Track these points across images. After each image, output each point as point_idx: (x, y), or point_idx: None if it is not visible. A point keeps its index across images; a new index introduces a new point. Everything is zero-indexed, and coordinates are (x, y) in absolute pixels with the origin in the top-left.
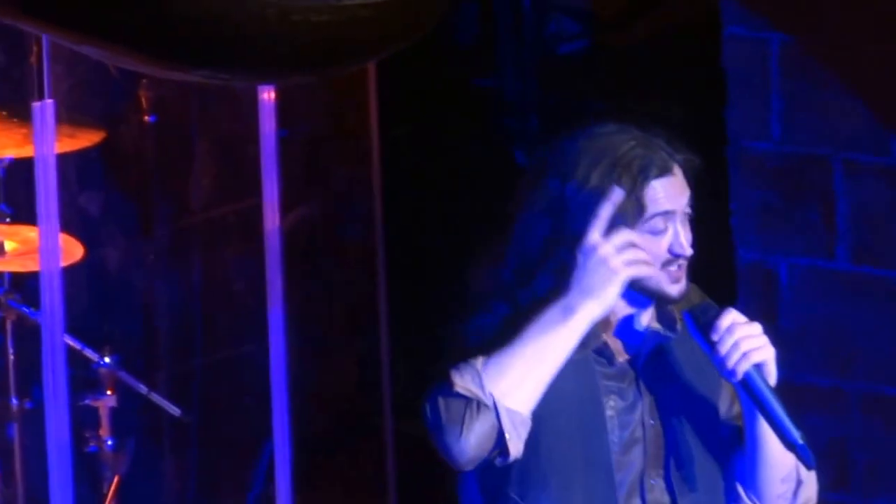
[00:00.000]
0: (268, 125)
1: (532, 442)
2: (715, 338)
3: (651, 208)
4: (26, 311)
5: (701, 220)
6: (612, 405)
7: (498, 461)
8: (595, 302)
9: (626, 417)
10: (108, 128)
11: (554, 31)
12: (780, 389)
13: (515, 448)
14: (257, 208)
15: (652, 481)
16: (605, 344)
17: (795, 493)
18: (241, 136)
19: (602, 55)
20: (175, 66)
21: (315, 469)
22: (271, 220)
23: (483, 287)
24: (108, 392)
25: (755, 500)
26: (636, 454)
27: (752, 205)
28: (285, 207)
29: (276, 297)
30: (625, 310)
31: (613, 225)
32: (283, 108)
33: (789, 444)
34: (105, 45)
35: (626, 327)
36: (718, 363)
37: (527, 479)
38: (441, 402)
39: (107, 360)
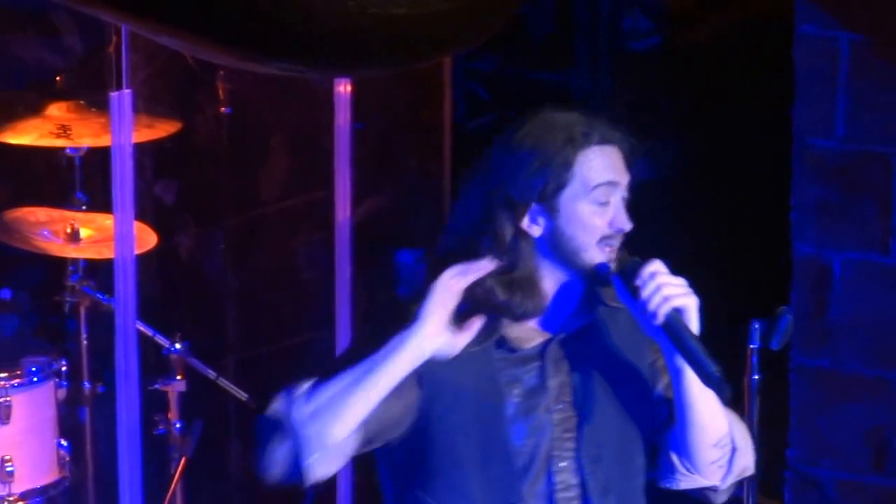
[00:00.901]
0: (342, 117)
1: (432, 439)
2: (637, 283)
3: (592, 176)
4: (100, 297)
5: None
6: (515, 393)
7: (300, 482)
8: (421, 335)
9: (530, 403)
10: (184, 118)
11: (628, 28)
12: (827, 379)
13: (320, 472)
14: (328, 200)
15: (561, 463)
16: (503, 337)
17: (730, 461)
18: (315, 128)
19: (674, 52)
20: (253, 57)
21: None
22: (342, 211)
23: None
24: (178, 377)
25: (689, 467)
26: (543, 438)
27: (812, 200)
28: (356, 199)
29: (343, 286)
30: (553, 290)
31: (550, 187)
32: (359, 101)
33: (705, 374)
34: (184, 36)
35: (554, 305)
36: (640, 309)
37: (430, 475)
38: (259, 421)
39: (177, 346)
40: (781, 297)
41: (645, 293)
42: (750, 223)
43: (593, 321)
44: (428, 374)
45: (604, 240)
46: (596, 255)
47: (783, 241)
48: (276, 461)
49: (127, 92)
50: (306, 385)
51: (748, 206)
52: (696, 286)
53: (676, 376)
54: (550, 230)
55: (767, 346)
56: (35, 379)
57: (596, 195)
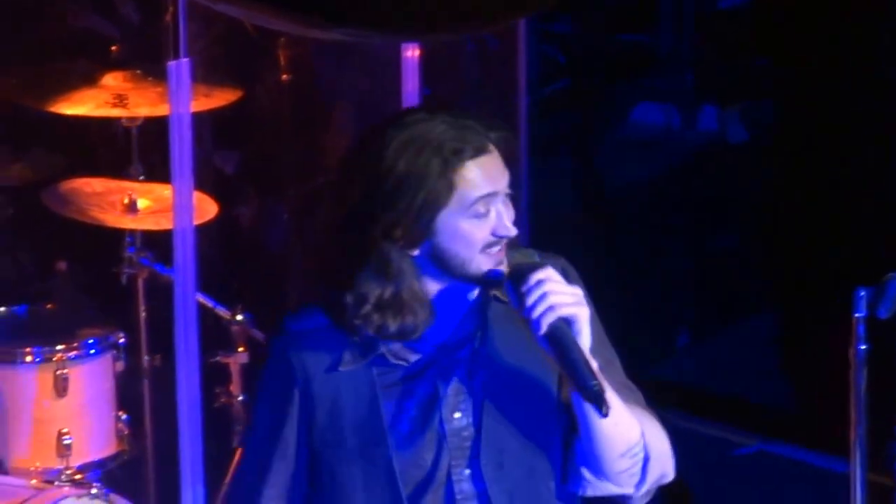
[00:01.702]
0: (411, 83)
1: (315, 468)
2: (523, 290)
3: (470, 192)
4: (158, 268)
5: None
6: (408, 406)
7: None
8: None
9: (423, 416)
10: (244, 87)
11: None
12: None
13: None
14: None
15: (464, 471)
16: (382, 355)
17: (644, 469)
18: (379, 94)
19: (762, 8)
20: (316, 24)
21: None
22: None
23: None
24: (240, 349)
25: (601, 478)
26: (441, 449)
27: None
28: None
29: None
30: (437, 293)
31: (428, 211)
32: (427, 65)
33: (583, 388)
34: (244, 4)
35: (441, 313)
36: (526, 316)
37: (318, 498)
38: None
39: (239, 317)
40: (891, 263)
41: (530, 300)
42: (854, 185)
43: (487, 323)
44: (305, 399)
45: (487, 248)
46: (482, 263)
47: (893, 203)
48: None
49: (185, 61)
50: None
51: (850, 168)
52: (798, 253)
53: (577, 395)
54: (430, 248)
55: (874, 314)
56: (92, 351)
57: (475, 210)
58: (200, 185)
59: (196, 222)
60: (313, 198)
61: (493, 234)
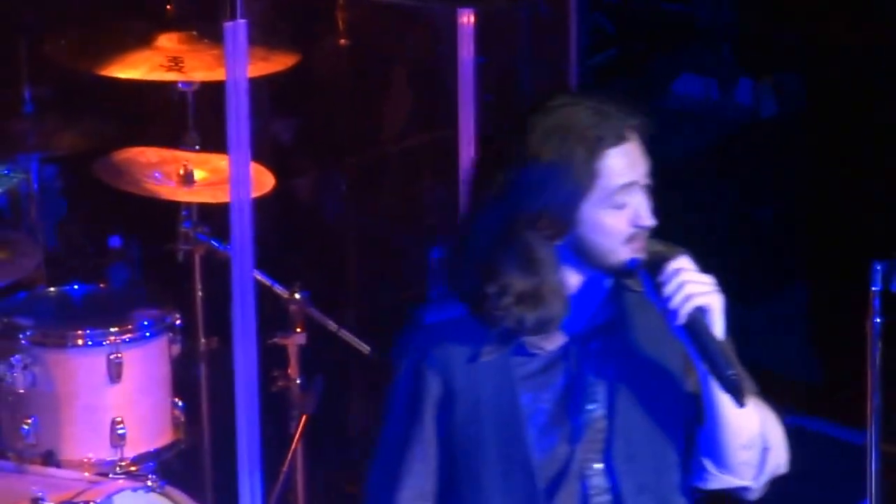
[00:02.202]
0: (466, 51)
1: (453, 459)
2: (661, 280)
3: (611, 182)
4: (215, 244)
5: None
6: (544, 399)
7: None
8: None
9: (560, 407)
10: (301, 51)
11: None
12: None
13: None
14: (450, 139)
15: (595, 465)
16: (521, 344)
17: (763, 461)
18: (437, 61)
19: None
20: None
21: None
22: (466, 151)
23: (446, 282)
24: (298, 329)
25: (723, 470)
26: (575, 442)
27: None
28: (480, 138)
29: None
30: (576, 288)
31: (573, 201)
32: (481, 33)
33: (722, 378)
34: None
35: (576, 305)
36: (663, 306)
37: (453, 498)
38: None
39: (297, 296)
40: None
41: (668, 289)
42: (878, 159)
43: (621, 312)
44: (446, 394)
45: (629, 240)
46: (624, 254)
47: None
48: None
49: (242, 22)
50: None
51: (876, 142)
52: (820, 225)
53: (703, 377)
54: (573, 239)
55: (888, 288)
56: (147, 334)
57: (616, 200)
58: (257, 155)
59: (253, 195)
60: (371, 169)
61: (634, 225)
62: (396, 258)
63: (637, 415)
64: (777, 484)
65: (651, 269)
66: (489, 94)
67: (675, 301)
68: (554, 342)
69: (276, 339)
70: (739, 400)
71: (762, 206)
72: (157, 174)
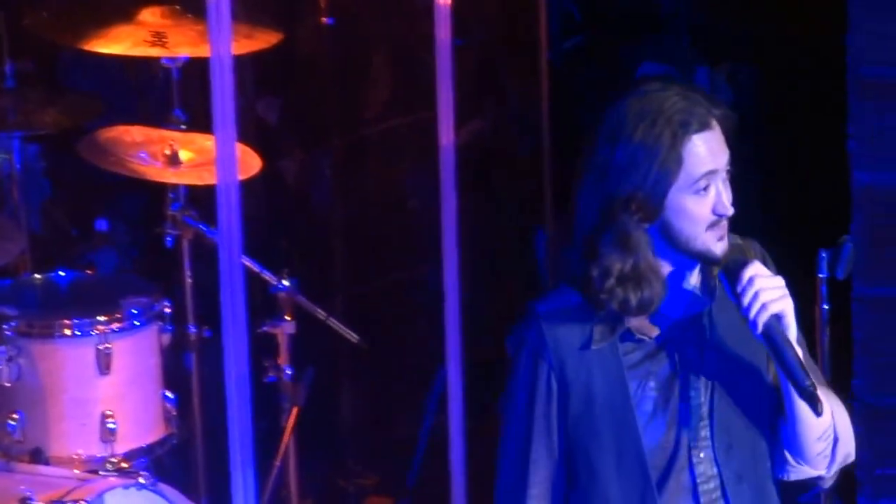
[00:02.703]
0: (443, 32)
1: (576, 456)
2: (738, 289)
3: (694, 168)
4: (203, 228)
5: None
6: (650, 387)
7: None
8: None
9: (666, 394)
10: (285, 29)
11: None
12: (890, 307)
13: None
14: (430, 121)
15: (700, 454)
16: (629, 330)
17: (833, 451)
18: (416, 41)
19: None
20: None
21: (488, 395)
22: (446, 134)
23: (556, 266)
24: (287, 318)
25: (801, 462)
26: (682, 429)
27: (869, 128)
28: (460, 120)
29: (449, 217)
30: (669, 269)
31: (661, 186)
32: (457, 15)
33: (799, 388)
34: None
35: (671, 291)
36: (744, 313)
37: (570, 482)
38: None
39: (285, 283)
40: (846, 226)
41: (745, 300)
42: (819, 148)
43: (711, 305)
44: (561, 387)
45: (711, 227)
46: (707, 240)
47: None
48: None
49: None
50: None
51: (817, 131)
52: (765, 216)
53: (782, 376)
54: (661, 223)
55: (833, 275)
56: (137, 323)
57: (697, 186)
58: (243, 136)
59: (240, 177)
60: (354, 150)
61: (714, 213)
62: (378, 243)
63: (732, 404)
64: None
65: (729, 278)
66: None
67: (753, 311)
68: (657, 329)
69: (266, 328)
70: (816, 409)
71: None
72: (142, 154)
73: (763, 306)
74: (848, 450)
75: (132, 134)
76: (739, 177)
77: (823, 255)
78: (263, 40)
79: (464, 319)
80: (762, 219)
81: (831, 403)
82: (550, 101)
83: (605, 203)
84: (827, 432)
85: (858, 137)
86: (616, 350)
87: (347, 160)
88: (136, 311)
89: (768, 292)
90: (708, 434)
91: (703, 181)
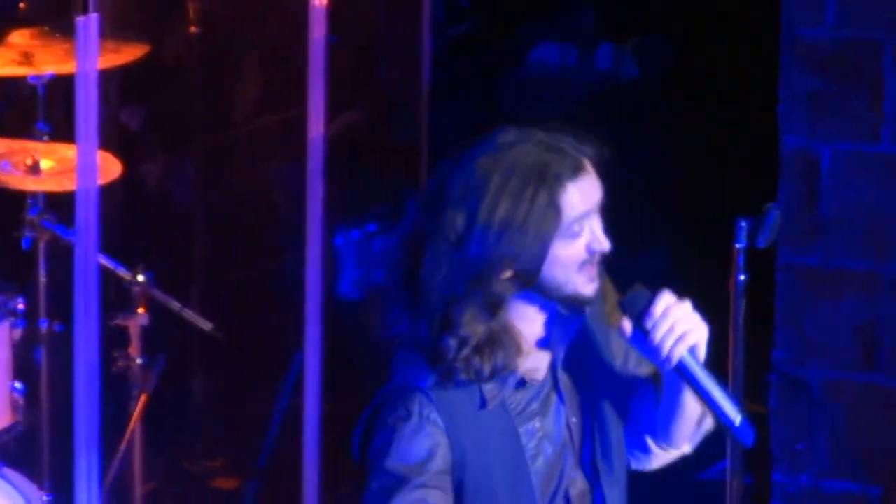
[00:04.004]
0: (317, 31)
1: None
2: (649, 325)
3: (568, 214)
4: (60, 231)
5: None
6: (537, 426)
7: None
8: None
9: (553, 431)
10: (153, 41)
11: None
12: (816, 276)
13: None
14: (301, 118)
15: (573, 475)
16: (521, 379)
17: (699, 425)
18: (289, 46)
19: None
20: None
21: (343, 380)
22: (316, 128)
23: (398, 338)
24: (140, 310)
25: (665, 447)
26: (565, 455)
27: (801, 91)
28: (332, 114)
29: (315, 208)
30: (540, 330)
31: (536, 246)
32: (335, 13)
33: (726, 426)
34: None
35: (553, 338)
36: (652, 352)
37: None
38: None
39: (140, 277)
40: (771, 194)
41: (657, 336)
42: (739, 116)
43: (585, 319)
44: (456, 444)
45: (582, 267)
46: (578, 283)
47: (772, 135)
48: None
49: (94, 16)
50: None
51: (737, 99)
52: (685, 184)
53: (670, 382)
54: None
55: (754, 244)
56: None
57: (570, 232)
58: (105, 143)
59: (100, 182)
60: (221, 150)
61: (588, 251)
62: (243, 236)
63: (606, 414)
64: None
65: (632, 313)
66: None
67: (667, 346)
68: (542, 371)
69: (117, 321)
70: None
71: (624, 166)
72: (4, 164)
73: (679, 339)
74: (711, 421)
75: None
76: (653, 153)
77: (742, 223)
78: (130, 53)
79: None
80: (681, 192)
81: None
82: (431, 91)
83: (466, 273)
84: (703, 414)
85: (788, 101)
86: (505, 403)
87: (213, 159)
88: None
89: (683, 323)
90: (580, 453)
91: (576, 226)
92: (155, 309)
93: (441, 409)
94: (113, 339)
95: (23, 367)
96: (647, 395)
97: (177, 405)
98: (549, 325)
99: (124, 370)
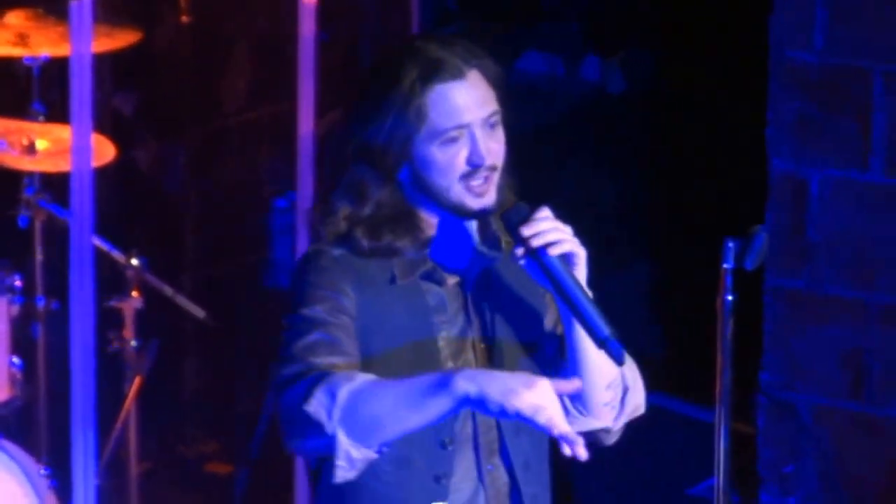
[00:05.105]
0: (307, 28)
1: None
2: (526, 233)
3: (441, 120)
4: (55, 210)
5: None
6: (443, 335)
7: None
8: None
9: (458, 345)
10: (144, 28)
11: None
12: (803, 300)
13: (343, 476)
14: (291, 112)
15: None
16: (434, 268)
17: (623, 401)
18: (279, 38)
19: None
20: None
21: None
22: (305, 124)
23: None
24: (134, 294)
25: (582, 410)
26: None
27: (789, 115)
28: (321, 112)
29: (304, 201)
30: (437, 228)
31: (399, 137)
32: (325, 10)
33: (598, 339)
34: None
35: (446, 247)
36: (529, 257)
37: None
38: (289, 407)
39: (134, 262)
40: (758, 215)
41: (532, 237)
42: (727, 138)
43: (501, 259)
44: (363, 309)
45: (465, 178)
46: (460, 193)
47: (760, 157)
48: (311, 452)
49: (87, 1)
50: (346, 391)
51: (725, 121)
52: (672, 202)
53: (568, 322)
54: (410, 175)
55: (741, 266)
56: None
57: (446, 138)
58: (99, 127)
59: (94, 164)
60: (212, 140)
61: (468, 163)
62: (233, 226)
63: (514, 356)
64: (623, 460)
65: (511, 224)
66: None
67: (538, 242)
68: (454, 278)
69: (112, 303)
70: (619, 359)
71: (608, 182)
72: (1, 143)
73: (554, 243)
74: (638, 401)
75: None
76: (640, 168)
77: (730, 244)
78: (123, 39)
79: None
80: (666, 210)
81: None
82: None
83: (349, 153)
84: (616, 380)
85: (777, 123)
86: (419, 287)
87: (204, 149)
88: None
89: (559, 232)
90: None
91: (453, 132)
92: (148, 294)
93: (347, 270)
94: (108, 321)
95: (20, 343)
96: (560, 352)
97: (170, 389)
98: (450, 231)
99: (119, 352)
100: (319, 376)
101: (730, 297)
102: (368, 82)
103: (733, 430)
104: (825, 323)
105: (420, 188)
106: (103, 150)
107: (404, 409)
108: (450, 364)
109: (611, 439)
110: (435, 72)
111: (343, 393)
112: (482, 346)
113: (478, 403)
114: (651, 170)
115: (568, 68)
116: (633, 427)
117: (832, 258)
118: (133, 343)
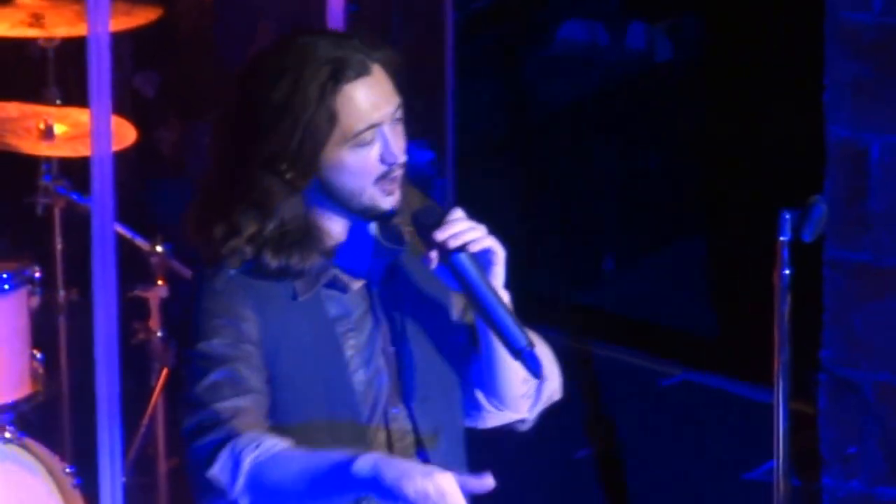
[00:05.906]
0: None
1: (280, 396)
2: (440, 237)
3: (353, 121)
4: (75, 197)
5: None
6: (351, 344)
7: None
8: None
9: (367, 352)
10: (165, 4)
11: None
12: (864, 273)
13: None
14: None
15: (394, 410)
16: (337, 275)
17: (538, 390)
18: (308, 13)
19: None
20: None
21: None
22: None
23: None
24: (159, 282)
25: (497, 404)
26: (380, 386)
27: (846, 80)
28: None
29: None
30: (343, 234)
31: (311, 145)
32: None
33: (513, 350)
34: None
35: (350, 251)
36: (441, 270)
37: (281, 434)
38: (194, 468)
39: (158, 249)
40: (816, 185)
41: (444, 239)
42: (781, 106)
43: (397, 254)
44: (266, 331)
45: (380, 179)
46: (374, 195)
47: (817, 124)
48: None
49: None
50: (250, 460)
51: (779, 88)
52: (724, 172)
53: (481, 323)
54: (318, 182)
55: (799, 238)
56: (7, 287)
57: (359, 140)
58: (119, 109)
59: (114, 148)
60: None
61: (382, 163)
62: None
63: (427, 358)
64: (676, 445)
65: (422, 225)
66: None
67: (456, 243)
68: (359, 281)
69: (136, 292)
70: (537, 373)
71: (654, 154)
72: (17, 128)
73: (467, 243)
74: (553, 387)
75: (7, 110)
76: (690, 139)
77: (787, 216)
78: (142, 16)
79: None
80: (718, 182)
81: (536, 340)
82: (455, 63)
83: (241, 165)
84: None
85: (834, 89)
86: (321, 299)
87: None
88: (5, 276)
89: (475, 231)
90: (401, 390)
91: (366, 134)
92: (174, 282)
93: (247, 291)
94: (132, 311)
95: (42, 337)
96: (471, 345)
97: None
98: (354, 235)
99: (144, 343)
100: (225, 437)
101: (787, 272)
102: (259, 89)
103: (792, 411)
104: (888, 296)
105: (327, 194)
106: (124, 133)
107: (305, 488)
108: (360, 375)
109: (525, 427)
110: (340, 72)
111: (247, 463)
112: (392, 349)
113: (373, 484)
114: (701, 141)
115: (612, 36)
116: (693, 410)
117: (894, 228)
118: (159, 334)
